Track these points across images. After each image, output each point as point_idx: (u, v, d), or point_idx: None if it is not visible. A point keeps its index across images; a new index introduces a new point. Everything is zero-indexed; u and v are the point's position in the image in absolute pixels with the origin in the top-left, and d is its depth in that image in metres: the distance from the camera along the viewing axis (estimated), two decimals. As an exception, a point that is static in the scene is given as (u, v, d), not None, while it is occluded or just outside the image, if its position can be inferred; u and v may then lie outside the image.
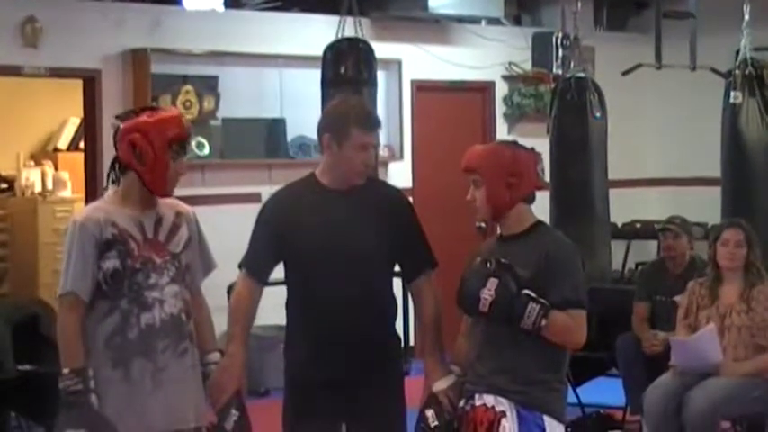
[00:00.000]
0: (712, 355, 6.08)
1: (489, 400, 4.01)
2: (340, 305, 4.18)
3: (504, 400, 3.98)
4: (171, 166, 4.11)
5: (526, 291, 3.93)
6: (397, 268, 4.39)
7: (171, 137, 4.10)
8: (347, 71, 7.49)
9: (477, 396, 4.05)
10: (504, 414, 3.97)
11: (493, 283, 3.94)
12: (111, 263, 4.06)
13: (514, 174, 4.05)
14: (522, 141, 4.25)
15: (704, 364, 6.09)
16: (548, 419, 4.00)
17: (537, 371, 4.00)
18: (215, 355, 4.30)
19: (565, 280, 3.98)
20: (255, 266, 4.32)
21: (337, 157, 4.23)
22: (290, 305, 4.35)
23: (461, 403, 4.11)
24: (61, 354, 4.05)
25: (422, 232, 4.36)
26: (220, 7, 9.34)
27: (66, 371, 4.00)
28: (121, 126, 4.13)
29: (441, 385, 4.18)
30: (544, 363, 4.01)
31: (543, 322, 3.91)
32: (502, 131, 10.65)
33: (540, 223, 4.16)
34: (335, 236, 4.20)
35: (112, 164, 4.19)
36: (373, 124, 4.29)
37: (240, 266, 4.35)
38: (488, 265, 3.99)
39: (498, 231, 4.25)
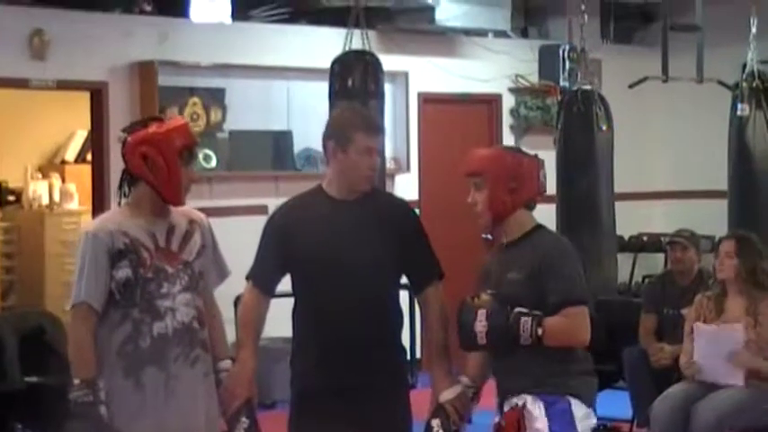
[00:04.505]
0: (733, 348, 6.05)
1: (516, 400, 4.02)
2: (346, 315, 4.18)
3: (527, 396, 4.00)
4: (183, 174, 4.14)
5: (518, 309, 3.95)
6: (403, 280, 4.39)
7: (180, 146, 4.14)
8: (354, 83, 7.51)
9: (506, 402, 4.06)
10: (525, 405, 3.98)
11: (482, 314, 3.98)
12: (123, 272, 4.08)
13: (516, 178, 4.08)
14: (529, 154, 4.26)
15: (723, 358, 6.05)
16: (574, 401, 3.99)
17: (554, 363, 3.99)
18: (226, 363, 4.30)
19: (560, 279, 3.98)
20: (262, 278, 4.32)
21: (343, 164, 4.24)
22: (296, 315, 4.35)
23: (496, 419, 4.11)
24: (72, 364, 4.07)
25: (428, 243, 4.36)
26: (228, 19, 9.37)
27: (76, 381, 4.01)
28: (129, 139, 4.15)
29: (447, 395, 4.19)
30: (559, 354, 4.00)
31: (539, 332, 3.92)
32: (509, 144, 10.63)
33: (539, 227, 4.16)
34: (341, 246, 4.20)
35: (122, 177, 4.21)
36: (375, 128, 4.31)
37: (247, 278, 4.35)
38: (474, 300, 4.03)
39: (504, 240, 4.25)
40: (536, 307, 3.96)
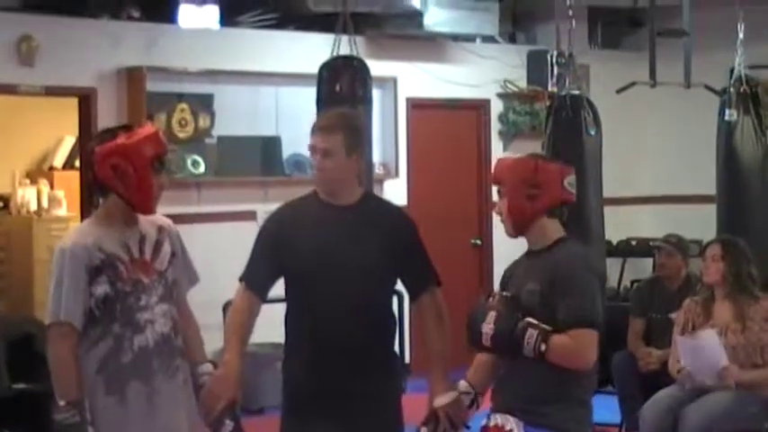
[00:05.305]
0: (716, 356, 6.05)
1: (500, 419, 3.99)
2: (338, 320, 4.18)
3: (511, 419, 3.95)
4: (155, 184, 4.10)
5: (528, 318, 3.91)
6: (398, 286, 4.39)
7: (151, 155, 4.07)
8: (342, 89, 7.49)
9: (491, 416, 4.03)
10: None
11: (491, 316, 3.95)
12: (101, 288, 4.03)
13: (535, 185, 4.01)
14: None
15: (710, 365, 6.05)
16: None
17: (548, 387, 3.93)
18: (207, 366, 4.27)
19: (571, 297, 3.89)
20: (255, 281, 4.31)
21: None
22: (289, 319, 4.34)
23: (484, 422, 4.08)
24: (55, 385, 4.01)
25: (424, 249, 4.36)
26: (216, 25, 9.36)
27: (62, 403, 3.96)
28: (97, 150, 4.07)
29: (441, 401, 4.18)
30: (556, 378, 3.92)
31: (543, 348, 3.86)
32: (497, 149, 10.66)
33: (564, 238, 4.09)
34: (335, 251, 4.20)
35: (92, 187, 4.17)
36: (317, 126, 4.29)
37: (240, 280, 4.34)
38: (491, 298, 4.00)
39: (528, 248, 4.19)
40: (548, 321, 3.89)
